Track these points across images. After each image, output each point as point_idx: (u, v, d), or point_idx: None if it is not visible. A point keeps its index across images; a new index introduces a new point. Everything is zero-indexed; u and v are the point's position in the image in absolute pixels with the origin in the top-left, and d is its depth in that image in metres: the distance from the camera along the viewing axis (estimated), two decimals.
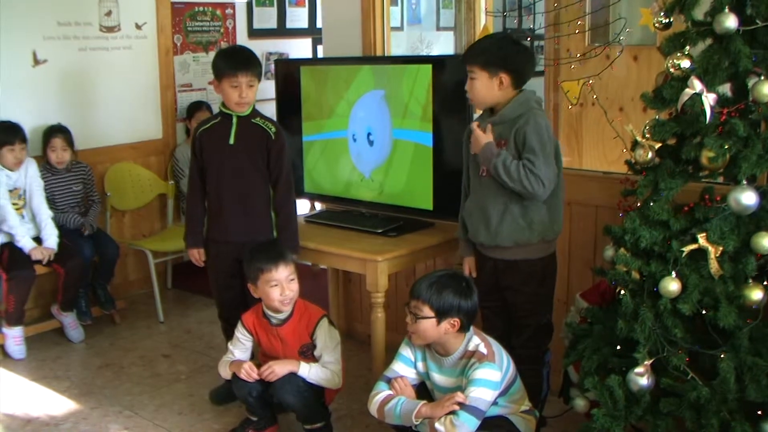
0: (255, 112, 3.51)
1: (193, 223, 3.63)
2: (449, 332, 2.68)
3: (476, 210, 3.03)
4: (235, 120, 3.46)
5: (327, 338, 3.19)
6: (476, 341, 2.70)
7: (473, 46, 3.05)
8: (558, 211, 2.99)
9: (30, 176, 4.40)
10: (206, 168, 3.52)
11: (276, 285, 3.11)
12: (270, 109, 4.34)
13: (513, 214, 2.92)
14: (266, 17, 6.10)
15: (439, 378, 2.80)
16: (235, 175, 3.47)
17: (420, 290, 2.68)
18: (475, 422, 2.58)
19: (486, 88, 2.91)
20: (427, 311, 2.66)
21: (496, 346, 2.74)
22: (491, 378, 2.62)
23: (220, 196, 3.51)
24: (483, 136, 2.93)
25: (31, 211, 4.40)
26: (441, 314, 2.65)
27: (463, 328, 2.69)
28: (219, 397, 3.69)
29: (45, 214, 4.39)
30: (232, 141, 3.45)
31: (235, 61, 3.42)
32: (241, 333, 3.28)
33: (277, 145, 3.47)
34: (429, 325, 2.67)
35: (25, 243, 4.27)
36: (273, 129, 3.48)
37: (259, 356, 3.33)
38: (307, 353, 3.21)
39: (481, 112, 3.12)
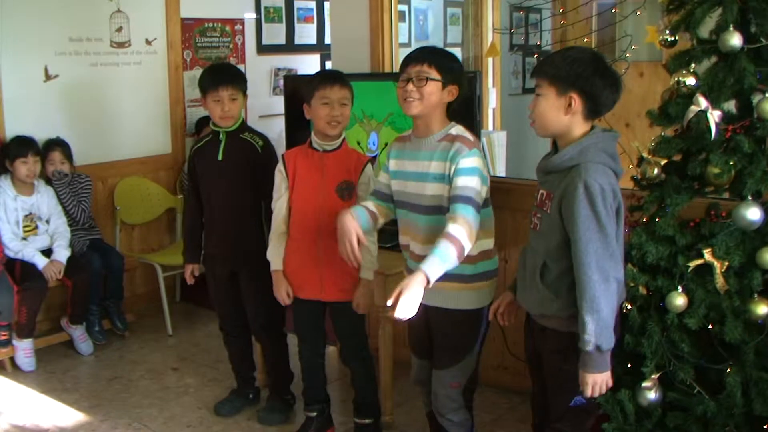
0: (243, 127, 3.54)
1: (189, 239, 3.69)
2: (445, 101, 2.67)
3: (521, 258, 2.57)
4: (223, 136, 3.48)
5: (372, 182, 3.11)
6: (460, 129, 2.70)
7: (548, 56, 2.49)
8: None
9: (51, 207, 4.47)
10: (200, 185, 3.57)
11: (327, 103, 3.07)
12: (279, 125, 4.39)
13: (535, 279, 2.41)
14: (275, 33, 6.14)
15: (410, 164, 2.75)
16: (225, 191, 3.49)
17: (424, 55, 2.67)
18: (472, 210, 2.52)
19: (552, 108, 2.33)
20: (434, 74, 2.63)
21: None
22: (479, 165, 2.60)
23: (212, 212, 3.55)
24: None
25: (46, 224, 4.47)
26: (447, 78, 2.64)
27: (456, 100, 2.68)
28: (224, 409, 3.72)
29: (63, 236, 4.46)
30: (220, 157, 3.47)
31: (216, 76, 3.45)
32: (279, 171, 3.22)
33: (263, 158, 3.47)
34: (435, 89, 2.63)
35: (37, 260, 4.31)
36: (260, 143, 3.50)
37: (291, 201, 3.22)
38: (344, 193, 3.14)
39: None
